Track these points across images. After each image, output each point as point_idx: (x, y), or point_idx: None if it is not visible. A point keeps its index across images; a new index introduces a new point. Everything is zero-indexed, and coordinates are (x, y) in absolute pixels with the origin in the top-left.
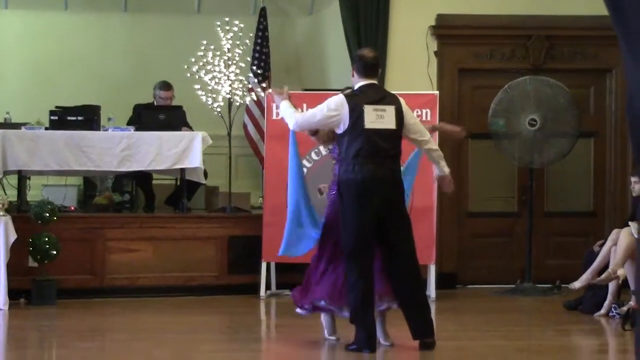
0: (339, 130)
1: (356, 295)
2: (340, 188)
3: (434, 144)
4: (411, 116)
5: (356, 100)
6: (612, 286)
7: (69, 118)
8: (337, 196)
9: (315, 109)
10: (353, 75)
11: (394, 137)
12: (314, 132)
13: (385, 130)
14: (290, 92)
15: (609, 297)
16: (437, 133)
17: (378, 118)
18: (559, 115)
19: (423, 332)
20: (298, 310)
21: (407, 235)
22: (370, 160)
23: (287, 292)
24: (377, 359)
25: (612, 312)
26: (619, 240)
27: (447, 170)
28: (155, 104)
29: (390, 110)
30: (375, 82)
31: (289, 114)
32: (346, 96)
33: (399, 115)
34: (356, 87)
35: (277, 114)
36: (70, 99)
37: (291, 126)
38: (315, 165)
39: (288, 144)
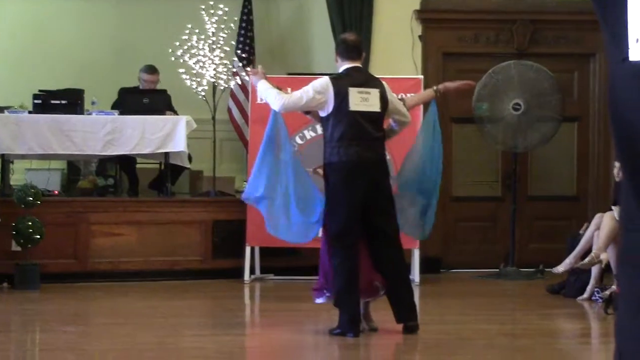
0: (324, 113)
1: (340, 278)
2: (326, 171)
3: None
4: (394, 98)
5: (341, 83)
6: (595, 270)
7: (52, 102)
8: (324, 179)
9: (300, 90)
10: (337, 61)
11: (378, 120)
12: (307, 111)
13: (370, 113)
14: (275, 76)
15: (592, 281)
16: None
17: (363, 101)
18: (543, 100)
19: (406, 316)
20: (320, 299)
21: (391, 219)
22: (355, 143)
23: (271, 276)
24: (361, 343)
25: (595, 296)
26: (602, 225)
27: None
28: (140, 87)
29: (375, 92)
30: (359, 65)
31: (273, 95)
32: (331, 79)
33: (383, 98)
34: (340, 70)
35: (262, 98)
36: (54, 83)
37: (276, 107)
38: (300, 150)
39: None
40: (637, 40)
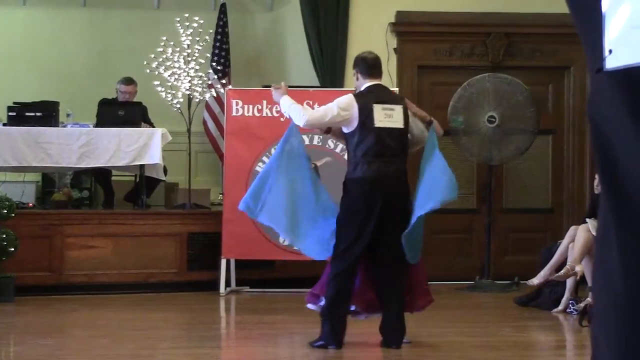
0: (347, 130)
1: (333, 288)
2: (347, 185)
3: None
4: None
5: (365, 100)
6: (570, 282)
7: (27, 114)
8: (343, 192)
9: (324, 107)
10: (357, 79)
11: (402, 136)
12: (328, 130)
13: (393, 130)
14: (250, 88)
15: (567, 294)
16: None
17: (387, 117)
18: (518, 113)
19: (394, 342)
20: (311, 305)
21: (398, 242)
22: (378, 159)
23: (246, 288)
24: (337, 356)
25: (570, 308)
26: (576, 237)
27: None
28: (118, 99)
29: (399, 109)
30: (380, 82)
31: (297, 111)
32: (355, 95)
33: (406, 114)
34: (362, 87)
35: (238, 110)
36: (29, 94)
37: (300, 123)
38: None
39: (250, 140)
40: (610, 52)
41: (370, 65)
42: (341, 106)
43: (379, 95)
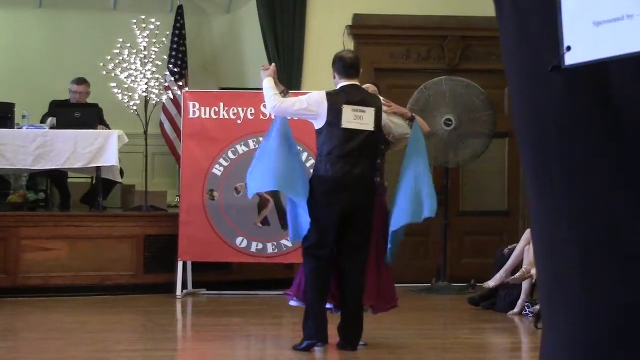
0: (316, 127)
1: (310, 286)
2: (311, 183)
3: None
4: (386, 115)
5: (335, 99)
6: (525, 285)
7: None
8: (309, 190)
9: (295, 98)
10: (334, 77)
11: (370, 138)
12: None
13: (362, 131)
14: (207, 90)
15: (523, 296)
16: None
17: (356, 118)
18: (474, 115)
19: (348, 343)
20: (294, 302)
21: (362, 243)
22: (342, 160)
23: (203, 290)
24: (293, 357)
25: (526, 310)
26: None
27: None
28: (70, 100)
29: (370, 111)
30: (356, 83)
31: (270, 95)
32: (327, 93)
33: (378, 116)
34: (337, 87)
35: (195, 112)
36: None
37: (268, 107)
38: (232, 165)
39: (207, 142)
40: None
41: (347, 65)
42: (310, 101)
43: (352, 95)
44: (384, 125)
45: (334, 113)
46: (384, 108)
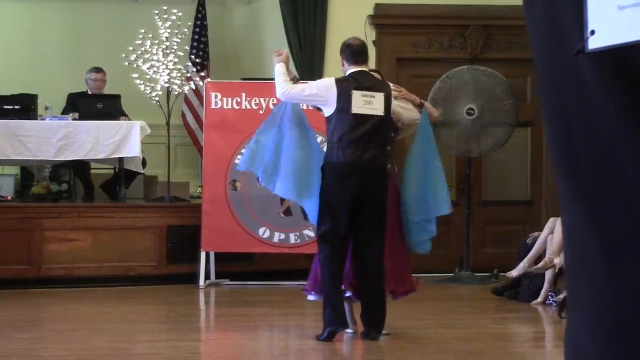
0: (326, 114)
1: (326, 273)
2: (323, 169)
3: None
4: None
5: (345, 85)
6: (548, 274)
7: (5, 107)
8: (321, 177)
9: (305, 84)
10: (343, 65)
11: (381, 124)
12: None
13: (372, 116)
14: (228, 81)
15: (546, 285)
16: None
17: (366, 104)
18: (497, 105)
19: (374, 328)
20: (312, 297)
21: (377, 228)
22: (353, 145)
23: (226, 281)
24: (313, 349)
25: (549, 300)
26: (555, 229)
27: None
28: (88, 90)
29: (380, 97)
30: (365, 69)
31: (281, 82)
32: (336, 80)
33: (388, 102)
34: (346, 73)
35: (217, 103)
36: (7, 87)
37: (278, 93)
38: None
39: (229, 133)
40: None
41: (355, 52)
42: (320, 87)
43: (361, 81)
44: (393, 112)
45: (343, 99)
46: (394, 93)
